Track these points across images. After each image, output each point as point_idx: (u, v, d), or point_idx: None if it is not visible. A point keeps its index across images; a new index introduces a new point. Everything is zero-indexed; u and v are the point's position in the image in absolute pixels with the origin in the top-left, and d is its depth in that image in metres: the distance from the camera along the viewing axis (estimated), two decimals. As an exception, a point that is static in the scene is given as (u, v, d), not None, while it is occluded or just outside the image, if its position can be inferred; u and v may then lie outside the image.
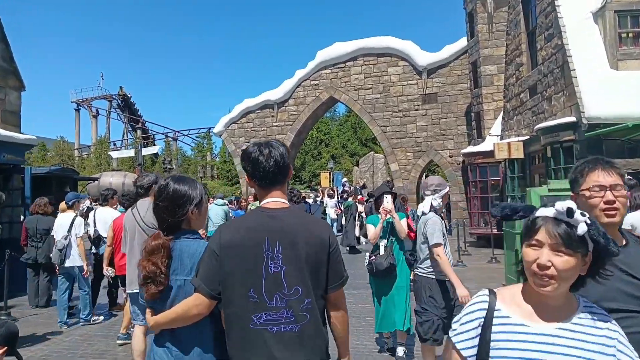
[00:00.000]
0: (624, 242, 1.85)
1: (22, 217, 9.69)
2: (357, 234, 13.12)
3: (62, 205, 7.50)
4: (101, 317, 7.15)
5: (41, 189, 15.66)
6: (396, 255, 4.82)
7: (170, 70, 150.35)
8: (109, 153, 28.43)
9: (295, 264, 1.86)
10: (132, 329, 5.34)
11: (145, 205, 4.32)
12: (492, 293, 1.52)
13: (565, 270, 1.37)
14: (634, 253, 1.80)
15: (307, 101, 21.79)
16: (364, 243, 12.71)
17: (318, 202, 18.53)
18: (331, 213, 18.49)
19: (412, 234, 10.43)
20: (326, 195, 20.70)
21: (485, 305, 1.47)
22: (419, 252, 4.27)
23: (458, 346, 1.46)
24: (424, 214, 4.18)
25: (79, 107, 53.13)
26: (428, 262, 4.14)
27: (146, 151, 22.62)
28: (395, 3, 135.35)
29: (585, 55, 10.31)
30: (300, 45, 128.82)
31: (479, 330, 1.44)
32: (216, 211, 10.13)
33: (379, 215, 4.87)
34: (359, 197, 18.07)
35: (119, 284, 6.51)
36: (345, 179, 32.93)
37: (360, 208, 14.84)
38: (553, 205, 1.43)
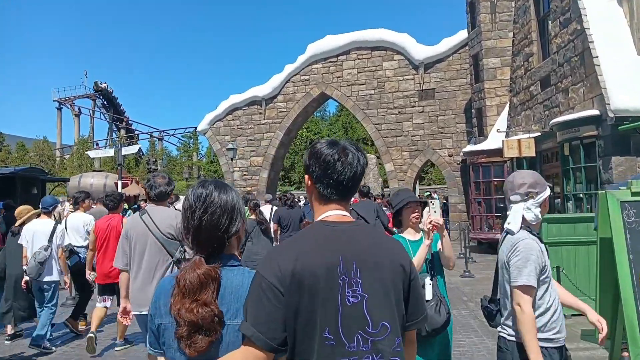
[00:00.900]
0: None
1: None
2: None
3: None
4: (54, 349, 5.91)
5: (5, 191, 14.34)
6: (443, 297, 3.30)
7: (157, 68, 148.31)
8: (87, 152, 26.99)
9: (381, 292, 1.51)
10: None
11: (159, 212, 3.82)
12: None
13: None
14: None
15: (297, 97, 20.57)
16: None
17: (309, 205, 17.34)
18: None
19: None
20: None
21: None
22: (503, 299, 2.58)
23: None
24: (509, 233, 2.55)
25: (61, 106, 51.43)
26: None
27: (126, 151, 21.24)
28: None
29: (609, 41, 9.23)
30: (290, 39, 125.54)
31: None
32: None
33: (407, 235, 3.28)
34: (353, 199, 16.91)
35: (101, 293, 5.97)
36: None
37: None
38: None
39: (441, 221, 3.10)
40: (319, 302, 1.45)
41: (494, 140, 14.97)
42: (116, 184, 18.59)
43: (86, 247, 6.64)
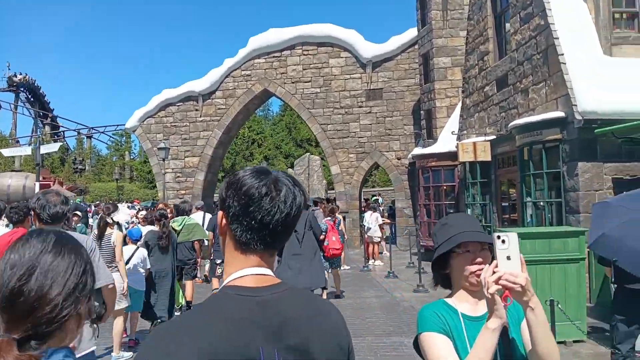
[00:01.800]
0: None
1: None
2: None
3: None
4: None
5: None
6: None
7: (88, 63, 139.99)
8: (0, 150, 24.17)
9: None
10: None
11: None
12: None
13: None
14: None
15: (238, 94, 19.10)
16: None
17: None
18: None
19: (336, 250, 7.62)
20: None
21: None
22: None
23: None
24: None
25: (-23, 98, 46.62)
26: None
27: (46, 149, 18.97)
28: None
29: (574, 38, 8.58)
30: (231, 31, 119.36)
31: None
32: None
33: (461, 306, 1.69)
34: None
35: None
36: None
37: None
38: None
39: (522, 279, 1.44)
40: None
41: (444, 143, 14.29)
42: (46, 185, 16.39)
43: None
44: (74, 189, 25.67)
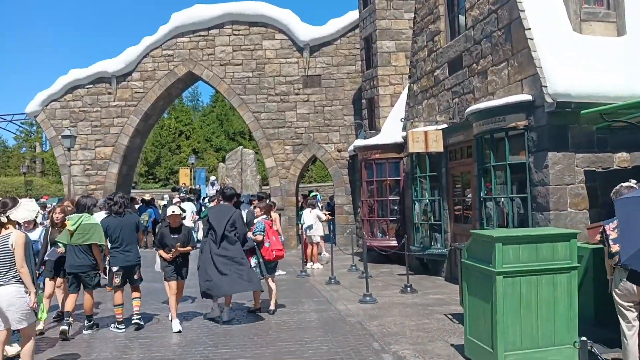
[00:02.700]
0: None
1: None
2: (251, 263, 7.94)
3: None
4: None
5: None
6: None
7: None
8: None
9: None
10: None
11: None
12: None
13: None
14: None
15: (158, 76, 16.94)
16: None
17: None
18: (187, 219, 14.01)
19: (279, 252, 6.84)
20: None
21: None
22: None
23: None
24: None
25: None
26: None
27: None
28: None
29: (541, 11, 7.56)
30: (150, 5, 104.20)
31: None
32: None
33: None
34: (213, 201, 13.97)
35: None
36: (214, 177, 28.37)
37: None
38: None
39: None
40: None
41: (388, 134, 13.10)
42: None
43: None
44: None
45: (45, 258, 7.17)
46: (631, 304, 4.45)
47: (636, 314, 4.46)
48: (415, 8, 11.48)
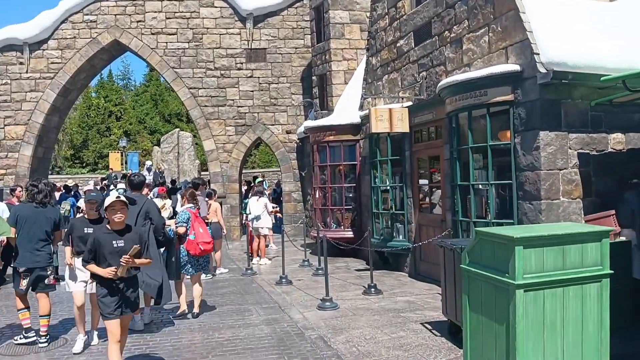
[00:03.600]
0: None
1: None
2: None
3: None
4: None
5: None
6: None
7: None
8: None
9: None
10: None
11: None
12: None
13: None
14: None
15: (79, 44, 14.71)
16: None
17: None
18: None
19: (206, 245, 6.30)
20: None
21: None
22: None
23: None
24: None
25: None
26: None
27: None
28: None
29: (529, -32, 6.50)
30: None
31: None
32: None
33: None
34: (159, 188, 12.28)
35: None
36: (150, 162, 26.09)
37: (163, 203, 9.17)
38: None
39: None
40: None
41: (343, 113, 11.88)
42: None
43: None
44: None
45: None
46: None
47: None
48: (375, -29, 10.22)
